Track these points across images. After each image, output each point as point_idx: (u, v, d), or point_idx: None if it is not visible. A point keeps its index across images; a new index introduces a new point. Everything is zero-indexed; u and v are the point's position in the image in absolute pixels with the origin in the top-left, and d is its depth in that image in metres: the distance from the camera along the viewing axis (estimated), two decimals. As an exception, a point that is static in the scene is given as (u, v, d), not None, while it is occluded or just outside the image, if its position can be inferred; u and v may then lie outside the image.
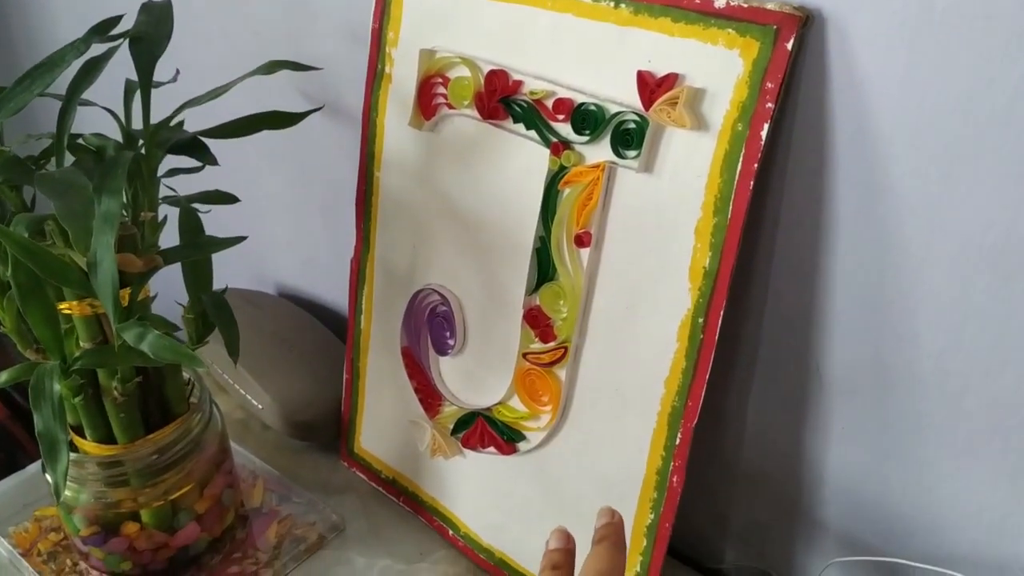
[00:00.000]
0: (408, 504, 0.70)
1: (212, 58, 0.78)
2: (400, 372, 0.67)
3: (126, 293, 0.53)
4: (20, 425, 1.07)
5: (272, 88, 0.70)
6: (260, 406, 0.75)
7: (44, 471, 0.61)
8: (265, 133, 0.61)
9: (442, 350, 0.64)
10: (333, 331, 0.82)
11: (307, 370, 0.76)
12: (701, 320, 0.50)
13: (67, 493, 0.61)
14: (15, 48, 1.09)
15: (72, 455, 0.59)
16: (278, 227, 0.87)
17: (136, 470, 0.60)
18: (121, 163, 0.50)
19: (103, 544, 0.62)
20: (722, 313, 0.50)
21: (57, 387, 0.51)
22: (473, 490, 0.65)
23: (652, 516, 0.56)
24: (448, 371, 0.64)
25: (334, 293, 0.85)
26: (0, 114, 0.51)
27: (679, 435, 0.53)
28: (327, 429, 0.75)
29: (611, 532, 0.46)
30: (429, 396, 0.65)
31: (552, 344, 0.57)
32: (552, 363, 0.57)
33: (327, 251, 0.83)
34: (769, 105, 0.46)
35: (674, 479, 0.54)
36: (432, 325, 0.64)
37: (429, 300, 0.63)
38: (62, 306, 0.54)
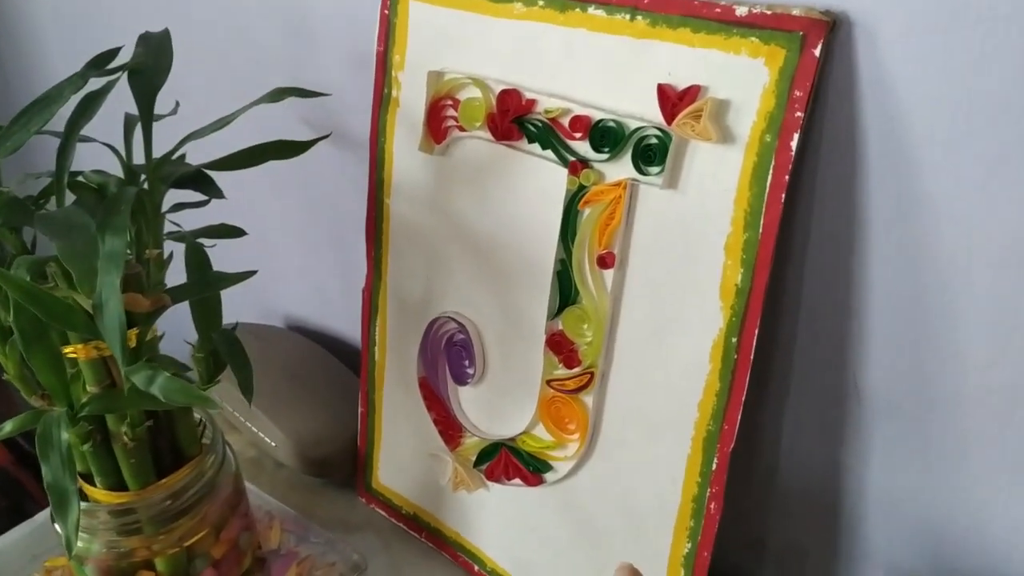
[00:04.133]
0: (431, 540, 0.68)
1: (211, 89, 0.76)
2: (418, 404, 0.65)
3: (133, 334, 0.51)
4: (26, 471, 1.04)
5: (274, 118, 0.68)
6: (273, 443, 0.73)
7: (53, 521, 0.59)
8: (269, 164, 0.59)
9: (461, 380, 0.62)
10: (345, 364, 0.80)
11: (320, 405, 0.74)
12: (735, 340, 0.48)
13: (78, 544, 0.58)
14: (8, 84, 1.07)
15: (82, 504, 0.57)
16: (285, 259, 0.85)
17: (149, 517, 0.58)
18: (125, 200, 0.48)
19: (116, 596, 0.59)
20: (757, 332, 0.48)
21: (65, 436, 0.48)
22: (499, 524, 0.63)
23: (689, 545, 0.53)
24: (468, 401, 0.62)
25: (345, 324, 0.83)
26: (-2, 154, 0.49)
27: (715, 460, 0.51)
28: (343, 465, 0.73)
29: None
30: (449, 428, 0.63)
31: (577, 370, 0.55)
32: (578, 389, 0.55)
33: (336, 282, 0.81)
34: (798, 114, 0.44)
35: (711, 506, 0.52)
36: (450, 354, 0.62)
37: (446, 328, 0.61)
38: (67, 350, 0.52)
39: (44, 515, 0.73)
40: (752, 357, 0.48)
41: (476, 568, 0.65)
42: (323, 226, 0.79)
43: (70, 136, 0.50)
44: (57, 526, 0.48)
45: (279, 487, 0.74)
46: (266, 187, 0.81)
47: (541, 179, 0.54)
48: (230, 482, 0.62)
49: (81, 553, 0.59)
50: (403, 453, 0.68)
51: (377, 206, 0.64)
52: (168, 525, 0.58)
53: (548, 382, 0.56)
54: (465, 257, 0.59)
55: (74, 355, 0.53)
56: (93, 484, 0.58)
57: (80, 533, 0.58)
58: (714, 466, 0.51)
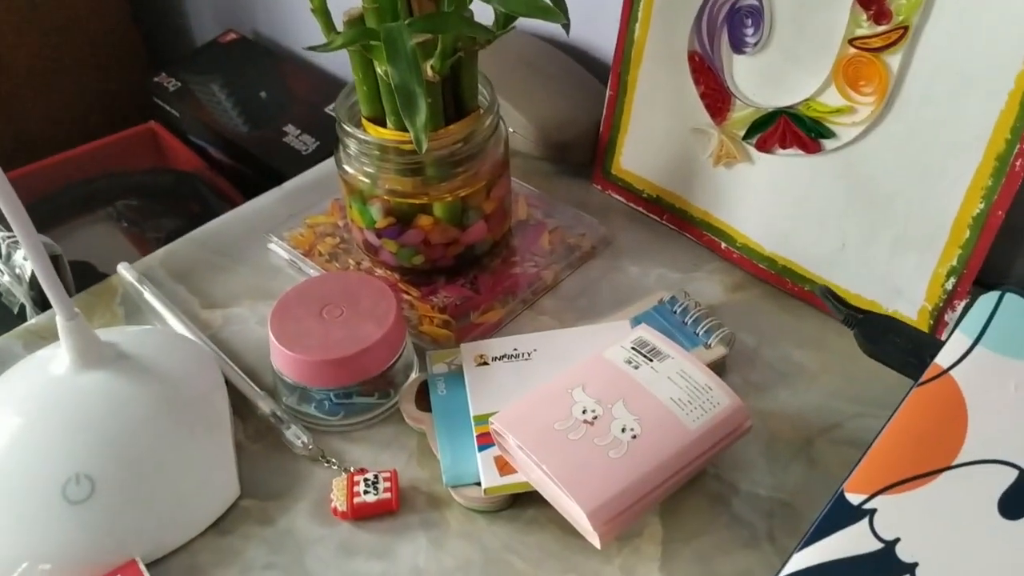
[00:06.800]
0: (673, 222, 0.70)
1: None
2: (680, 80, 0.65)
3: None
4: (220, 176, 1.08)
5: None
6: (512, 129, 0.74)
7: (339, 162, 0.61)
8: None
9: (740, 48, 0.61)
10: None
11: (558, 92, 0.75)
12: (1085, -18, 0.47)
13: (364, 181, 0.61)
14: None
15: (375, 140, 0.60)
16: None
17: (434, 159, 0.60)
18: None
19: (399, 236, 0.63)
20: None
21: (410, 42, 0.50)
22: (759, 197, 0.64)
23: (982, 206, 0.54)
24: (745, 71, 0.62)
25: (573, 25, 0.82)
26: None
27: (1033, 114, 0.51)
28: (582, 151, 0.74)
29: None
30: (719, 100, 0.63)
31: (887, 26, 0.54)
32: (884, 47, 0.54)
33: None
34: None
35: (1018, 163, 0.52)
36: (731, 22, 0.61)
37: (731, -6, 0.61)
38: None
39: (294, 182, 0.77)
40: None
41: (723, 245, 0.67)
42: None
43: None
44: (407, 125, 0.50)
45: (514, 173, 0.75)
46: None
47: None
48: (501, 144, 0.64)
49: (367, 192, 0.62)
50: (655, 133, 0.69)
51: None
52: (449, 171, 0.61)
53: (850, 41, 0.56)
54: (764, -85, 0.58)
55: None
56: (384, 126, 0.60)
57: (367, 172, 0.61)
58: (1031, 121, 0.51)
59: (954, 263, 0.56)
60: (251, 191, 1.00)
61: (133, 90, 1.22)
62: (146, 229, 1.08)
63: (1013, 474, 0.40)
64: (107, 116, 1.27)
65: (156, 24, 1.41)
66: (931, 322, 0.58)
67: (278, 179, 0.80)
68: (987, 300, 0.46)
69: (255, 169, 1.03)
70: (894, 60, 0.55)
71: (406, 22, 0.53)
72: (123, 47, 1.31)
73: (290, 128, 1.03)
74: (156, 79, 1.13)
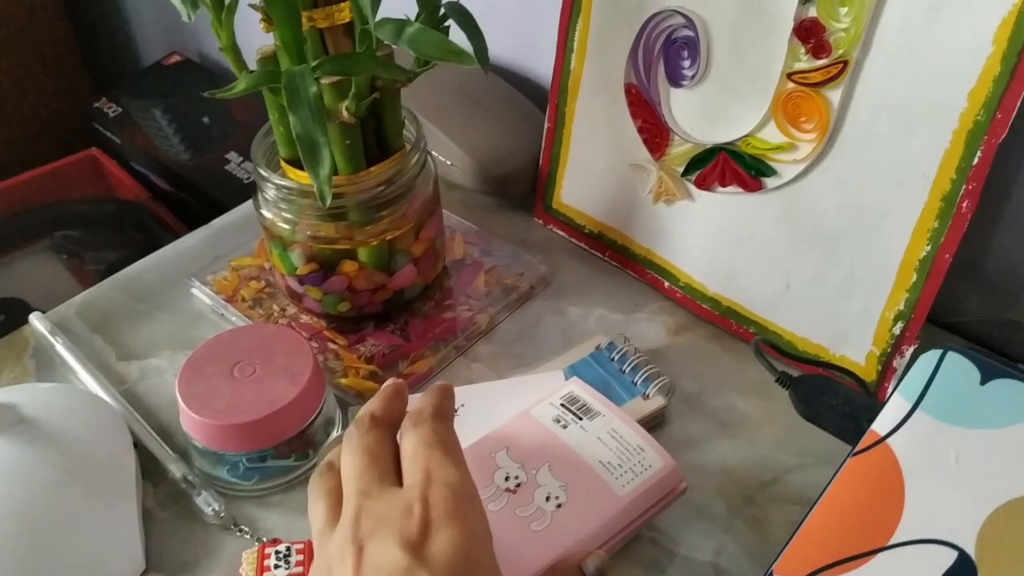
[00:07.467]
0: (615, 259, 0.67)
1: None
2: (618, 113, 0.62)
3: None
4: (163, 206, 1.05)
5: None
6: (449, 162, 0.71)
7: (257, 207, 0.58)
8: None
9: (677, 81, 0.58)
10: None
11: (499, 125, 0.72)
12: (1029, 15, 0.44)
13: (284, 227, 0.58)
14: None
15: (292, 184, 0.57)
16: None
17: (356, 203, 0.57)
18: None
19: (322, 283, 0.59)
20: (1058, 5, 0.44)
21: (312, 89, 0.46)
22: (701, 236, 0.61)
23: (928, 248, 0.51)
24: (682, 105, 0.59)
25: (515, 51, 0.79)
26: None
27: (979, 154, 0.48)
28: (522, 185, 0.71)
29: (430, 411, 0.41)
30: (656, 135, 0.60)
31: (826, 60, 0.51)
32: (824, 82, 0.51)
33: (509, 3, 0.76)
34: None
35: (964, 204, 0.49)
36: (668, 53, 0.58)
37: (667, 24, 0.57)
38: (304, 15, 0.50)
39: (221, 220, 0.74)
40: (1046, 35, 0.44)
41: (666, 284, 0.64)
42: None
43: None
44: (310, 177, 0.47)
45: (452, 208, 0.73)
46: None
47: None
48: (430, 184, 0.61)
49: (287, 238, 0.58)
50: (594, 168, 0.66)
51: None
52: (374, 214, 0.58)
53: (789, 75, 0.53)
54: (697, -58, 0.55)
55: (311, 23, 0.50)
56: (302, 169, 0.57)
57: (286, 218, 0.58)
58: (976, 160, 0.48)
59: (901, 307, 0.53)
60: (195, 220, 0.97)
61: (75, 115, 1.18)
62: (87, 261, 1.04)
63: (952, 556, 0.37)
64: (48, 142, 1.23)
65: (100, 45, 1.37)
66: (879, 368, 0.55)
67: (220, 209, 0.77)
68: (928, 359, 0.43)
69: (197, 198, 1.00)
70: (835, 95, 0.52)
71: (313, 64, 0.49)
72: (65, 70, 1.27)
73: (232, 155, 1.00)
74: (96, 104, 1.10)
